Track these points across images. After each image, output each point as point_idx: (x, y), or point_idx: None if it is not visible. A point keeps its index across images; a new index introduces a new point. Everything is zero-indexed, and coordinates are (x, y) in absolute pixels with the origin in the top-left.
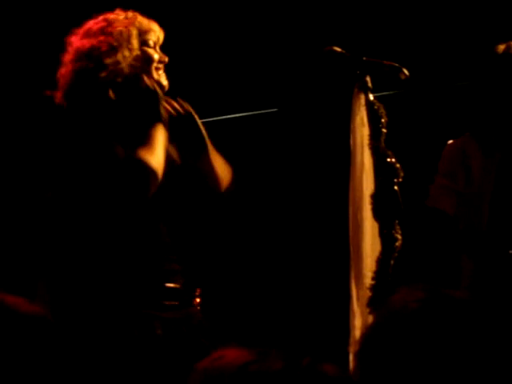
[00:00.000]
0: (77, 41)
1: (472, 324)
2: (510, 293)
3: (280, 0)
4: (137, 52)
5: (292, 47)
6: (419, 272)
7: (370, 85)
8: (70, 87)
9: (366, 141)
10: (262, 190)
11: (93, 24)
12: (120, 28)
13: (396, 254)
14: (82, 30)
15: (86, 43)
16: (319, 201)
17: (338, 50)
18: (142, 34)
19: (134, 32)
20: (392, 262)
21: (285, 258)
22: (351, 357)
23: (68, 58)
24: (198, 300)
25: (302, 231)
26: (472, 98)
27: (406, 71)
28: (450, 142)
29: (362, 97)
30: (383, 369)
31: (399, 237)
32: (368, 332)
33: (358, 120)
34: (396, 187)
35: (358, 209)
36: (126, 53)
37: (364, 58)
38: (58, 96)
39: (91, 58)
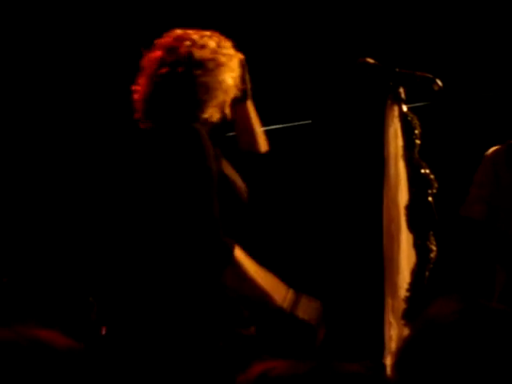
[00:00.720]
0: None
1: (510, 334)
2: None
3: (315, 11)
4: None
5: (326, 59)
6: (454, 283)
7: (403, 96)
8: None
9: (400, 152)
10: (299, 202)
11: None
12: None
13: (431, 266)
14: None
15: None
16: (354, 212)
17: (372, 61)
18: None
19: None
20: (427, 273)
21: (322, 269)
22: (387, 369)
23: None
24: None
25: (337, 242)
26: (506, 108)
27: (439, 82)
28: (487, 153)
29: (396, 108)
30: (421, 381)
31: (434, 248)
32: (405, 344)
33: (391, 131)
34: (430, 198)
35: (393, 220)
36: None
37: (397, 70)
38: None
39: None
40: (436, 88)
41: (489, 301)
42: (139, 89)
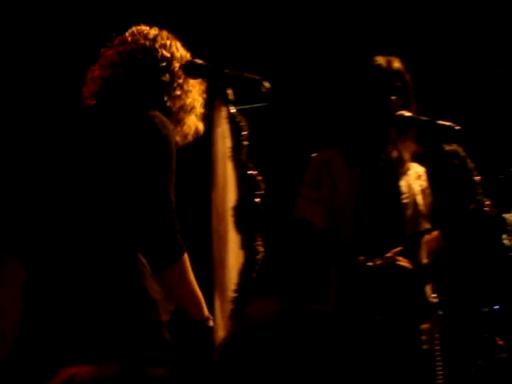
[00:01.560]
0: None
1: (327, 336)
2: (371, 306)
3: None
4: None
5: None
6: (285, 284)
7: (231, 97)
8: None
9: (228, 153)
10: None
11: None
12: None
13: (257, 267)
14: None
15: None
16: (183, 211)
17: (199, 62)
18: None
19: None
20: (254, 274)
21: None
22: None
23: None
24: None
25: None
26: (337, 111)
27: (266, 84)
28: (315, 154)
29: (224, 109)
30: (238, 380)
31: (261, 249)
32: (223, 344)
33: (219, 132)
34: (257, 200)
35: (221, 221)
36: None
37: (225, 71)
38: None
39: None
40: (264, 90)
41: (312, 303)
42: (96, 74)
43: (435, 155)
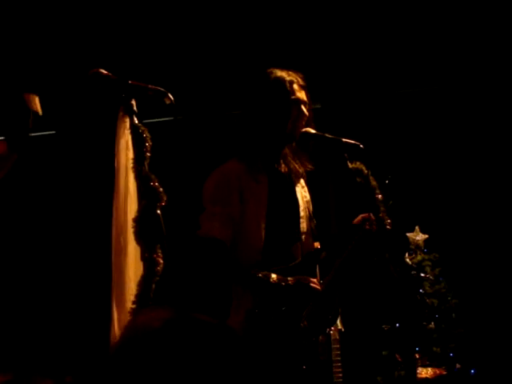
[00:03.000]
0: None
1: (214, 346)
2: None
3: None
4: None
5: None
6: (184, 296)
7: (135, 108)
8: None
9: (130, 164)
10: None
11: None
12: None
13: (157, 278)
14: None
15: None
16: (83, 221)
17: (104, 72)
18: None
19: None
20: (153, 285)
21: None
22: None
23: None
24: None
25: (65, 253)
26: (240, 124)
27: (170, 96)
28: (217, 170)
29: (127, 120)
30: None
31: (161, 261)
32: (113, 350)
33: (122, 143)
34: (159, 211)
35: (121, 232)
36: None
37: (129, 82)
38: None
39: None
40: (168, 102)
41: (202, 314)
42: None
43: (339, 173)
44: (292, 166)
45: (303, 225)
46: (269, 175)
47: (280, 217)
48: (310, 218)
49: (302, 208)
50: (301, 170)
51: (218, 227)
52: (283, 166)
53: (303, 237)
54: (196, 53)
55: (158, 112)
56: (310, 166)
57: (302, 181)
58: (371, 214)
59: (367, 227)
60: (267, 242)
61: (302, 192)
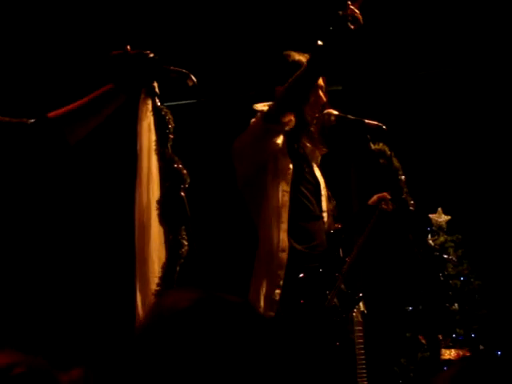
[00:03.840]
0: None
1: (242, 327)
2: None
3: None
4: None
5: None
6: (208, 279)
7: (157, 90)
8: None
9: (153, 146)
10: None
11: None
12: None
13: (182, 260)
14: None
15: None
16: (107, 205)
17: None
18: None
19: None
20: (178, 268)
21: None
22: None
23: None
24: None
25: (89, 237)
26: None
27: (193, 78)
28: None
29: (149, 102)
30: (155, 367)
31: (185, 243)
32: (139, 330)
33: (144, 125)
34: (182, 193)
35: (144, 214)
36: None
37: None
38: None
39: None
40: (190, 84)
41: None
42: None
43: (361, 154)
44: (308, 150)
45: (324, 203)
46: (290, 154)
47: (304, 193)
48: (329, 198)
49: (322, 186)
50: (317, 154)
51: None
52: (301, 147)
53: (324, 215)
54: (218, 35)
55: (181, 94)
56: (324, 150)
57: (317, 163)
58: (386, 194)
59: (383, 207)
60: (291, 219)
61: (319, 173)
